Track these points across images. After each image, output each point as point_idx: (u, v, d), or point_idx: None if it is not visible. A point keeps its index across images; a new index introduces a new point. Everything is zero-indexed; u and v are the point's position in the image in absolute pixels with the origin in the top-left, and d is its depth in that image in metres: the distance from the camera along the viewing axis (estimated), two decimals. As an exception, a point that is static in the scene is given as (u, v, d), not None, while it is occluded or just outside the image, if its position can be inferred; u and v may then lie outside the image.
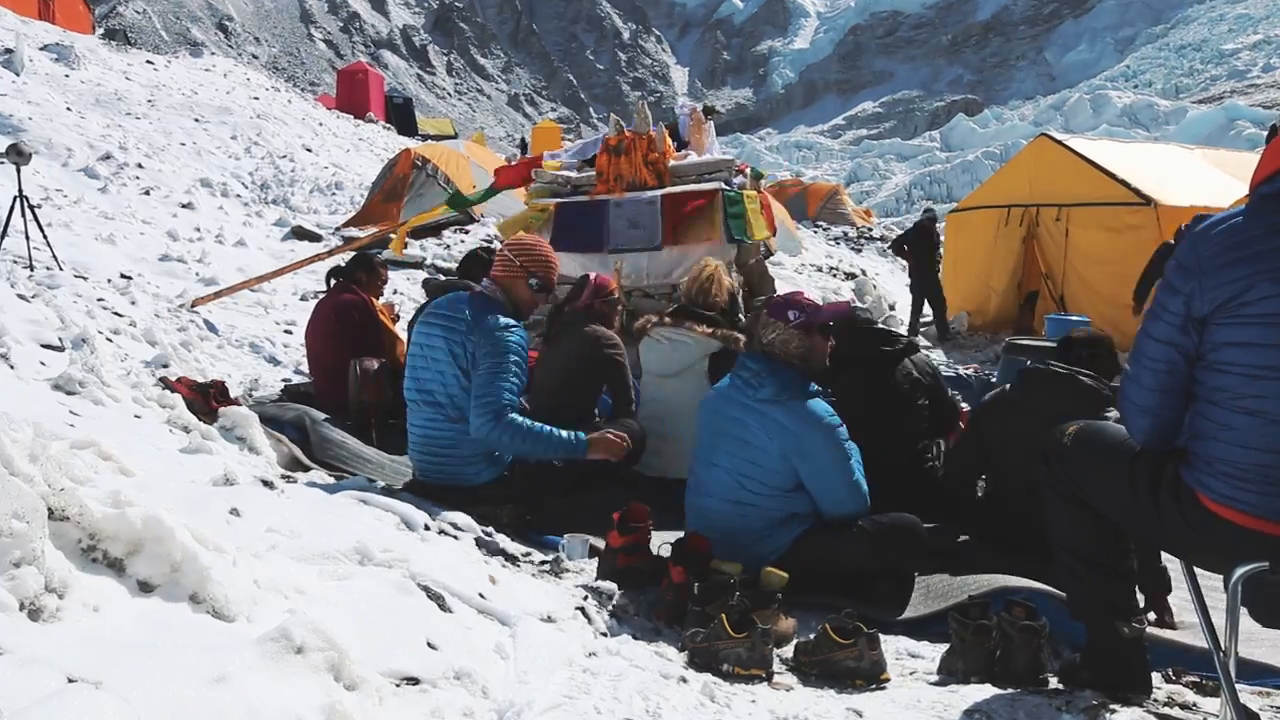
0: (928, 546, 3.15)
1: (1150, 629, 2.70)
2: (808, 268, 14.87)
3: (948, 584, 3.07)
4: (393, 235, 9.94)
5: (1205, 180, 10.31)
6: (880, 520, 3.06)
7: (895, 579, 3.09)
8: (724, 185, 5.80)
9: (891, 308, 13.18)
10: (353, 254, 5.96)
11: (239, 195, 12.28)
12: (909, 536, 3.08)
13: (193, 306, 6.84)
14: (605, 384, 4.08)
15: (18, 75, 13.18)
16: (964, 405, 5.10)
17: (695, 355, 4.04)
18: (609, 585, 2.76)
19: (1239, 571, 1.82)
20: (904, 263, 12.69)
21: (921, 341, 10.27)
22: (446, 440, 3.47)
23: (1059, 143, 11.04)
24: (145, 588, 1.62)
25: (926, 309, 11.69)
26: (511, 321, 3.48)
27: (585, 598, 2.65)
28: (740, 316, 4.43)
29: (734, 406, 3.08)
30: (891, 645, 2.65)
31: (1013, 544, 3.23)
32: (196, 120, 15.19)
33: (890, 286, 14.97)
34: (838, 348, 3.33)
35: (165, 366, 4.96)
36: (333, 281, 5.29)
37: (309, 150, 16.45)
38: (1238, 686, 1.91)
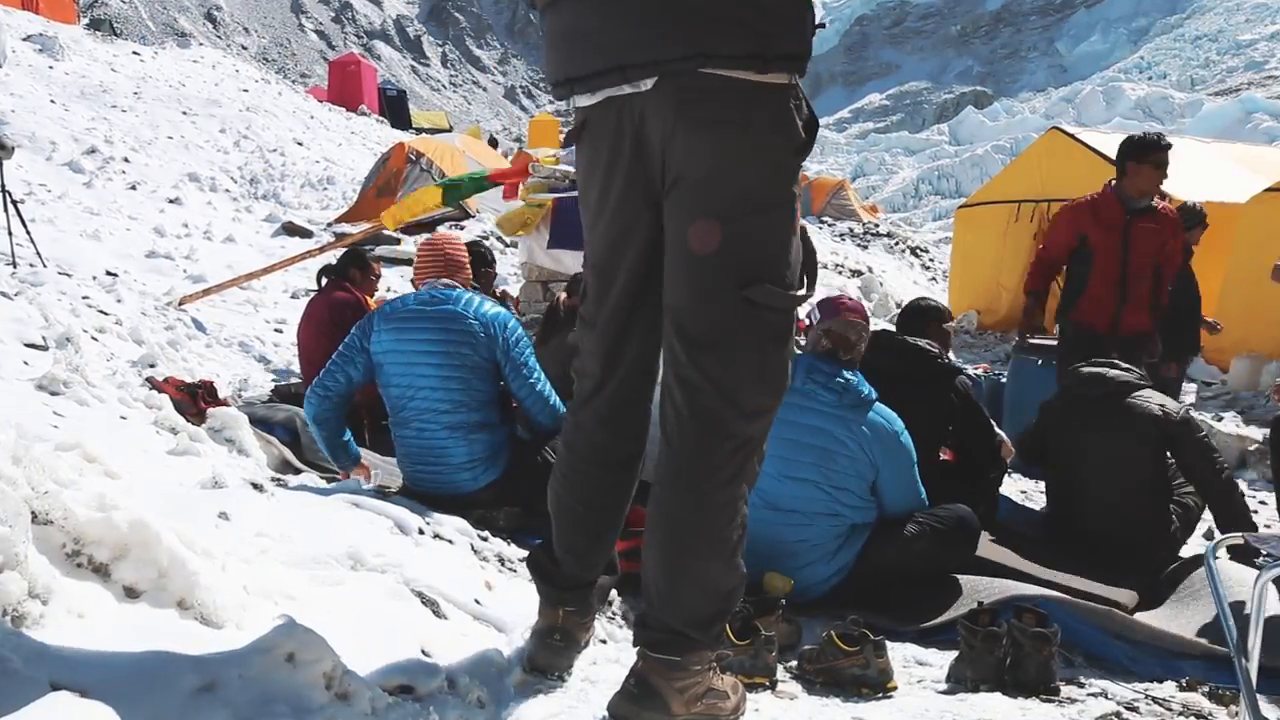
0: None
1: (1173, 633, 2.71)
2: (813, 265, 14.83)
3: (959, 588, 3.08)
4: (386, 230, 9.94)
5: (1221, 175, 10.30)
6: (939, 514, 3.11)
7: (940, 584, 3.11)
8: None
9: (898, 306, 13.17)
10: (345, 250, 5.97)
11: (228, 190, 12.27)
12: (969, 529, 3.16)
13: (180, 304, 6.84)
14: None
15: (0, 67, 13.18)
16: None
17: None
18: (608, 591, 2.76)
19: (1265, 574, 1.83)
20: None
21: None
22: (439, 447, 3.44)
23: (1071, 136, 11.03)
24: (131, 593, 1.62)
25: None
26: (506, 313, 3.57)
27: (584, 604, 2.65)
28: None
29: (811, 415, 3.03)
30: (899, 652, 2.65)
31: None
32: (184, 113, 15.20)
33: (897, 284, 14.95)
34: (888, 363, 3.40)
35: (152, 366, 4.96)
36: (324, 280, 5.29)
37: (300, 144, 16.45)
38: (1257, 694, 1.92)
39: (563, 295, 4.33)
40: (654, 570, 1.79)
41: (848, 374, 3.09)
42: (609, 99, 1.71)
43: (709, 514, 1.74)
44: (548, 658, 1.99)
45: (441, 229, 12.20)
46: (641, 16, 1.63)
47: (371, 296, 5.38)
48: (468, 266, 3.81)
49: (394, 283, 9.40)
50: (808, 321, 3.39)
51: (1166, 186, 9.45)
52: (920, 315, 3.99)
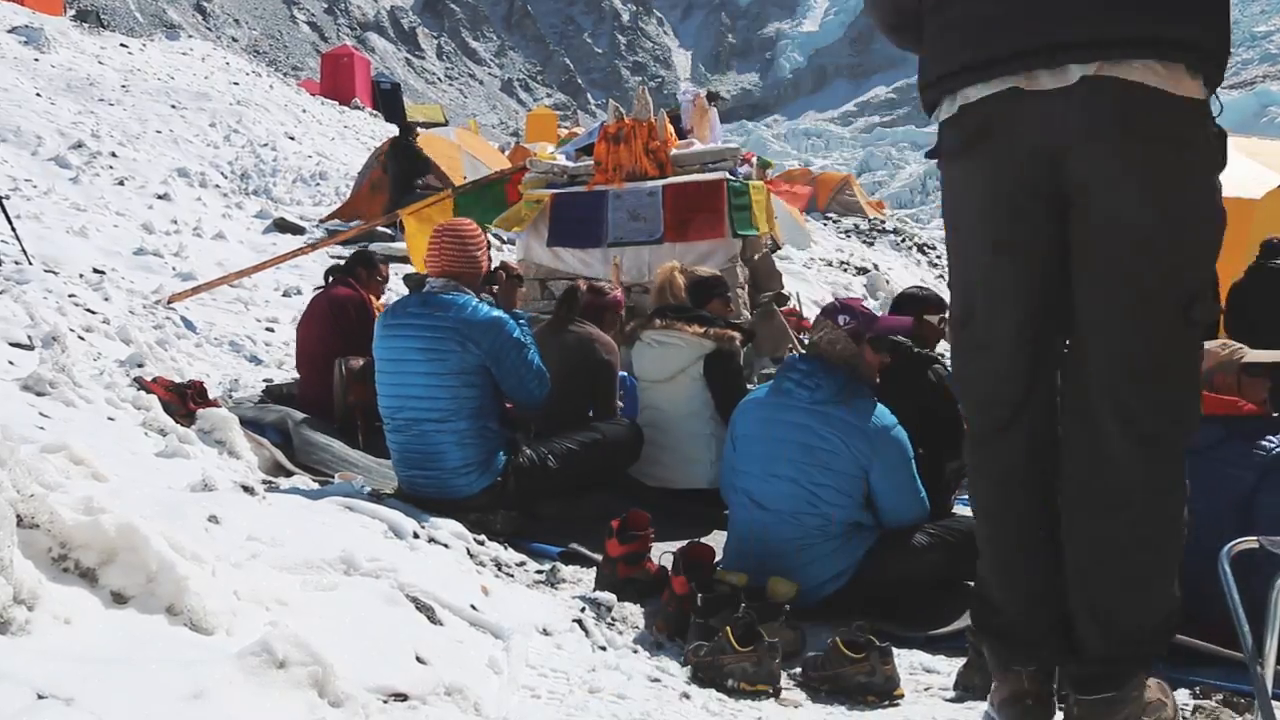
0: None
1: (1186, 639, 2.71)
2: (817, 262, 14.87)
3: (967, 595, 3.08)
4: (381, 228, 9.93)
5: (1236, 170, 10.23)
6: (953, 527, 3.09)
7: (951, 590, 3.09)
8: (729, 175, 5.81)
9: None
10: (340, 247, 5.97)
11: (218, 186, 12.27)
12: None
13: (169, 303, 6.84)
14: (592, 385, 4.10)
15: (-15, 59, 13.18)
16: None
17: (688, 358, 4.02)
18: (608, 596, 2.76)
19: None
20: None
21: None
22: (433, 452, 3.44)
23: (1082, 130, 11.02)
24: (119, 599, 1.62)
25: None
26: (503, 316, 3.52)
27: (583, 609, 2.66)
28: (746, 313, 4.43)
29: (790, 411, 3.03)
30: (905, 660, 2.65)
31: None
32: (173, 107, 15.19)
33: (903, 281, 14.95)
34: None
35: (140, 366, 4.96)
36: (330, 279, 5.31)
37: (292, 138, 16.45)
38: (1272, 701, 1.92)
39: (583, 284, 4.29)
40: (1099, 600, 1.73)
41: (804, 365, 3.09)
42: (1013, 91, 1.59)
43: (1167, 533, 1.71)
44: None
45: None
46: None
47: (378, 298, 5.40)
48: (479, 258, 3.64)
49: (396, 283, 9.39)
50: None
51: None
52: (909, 304, 3.97)
